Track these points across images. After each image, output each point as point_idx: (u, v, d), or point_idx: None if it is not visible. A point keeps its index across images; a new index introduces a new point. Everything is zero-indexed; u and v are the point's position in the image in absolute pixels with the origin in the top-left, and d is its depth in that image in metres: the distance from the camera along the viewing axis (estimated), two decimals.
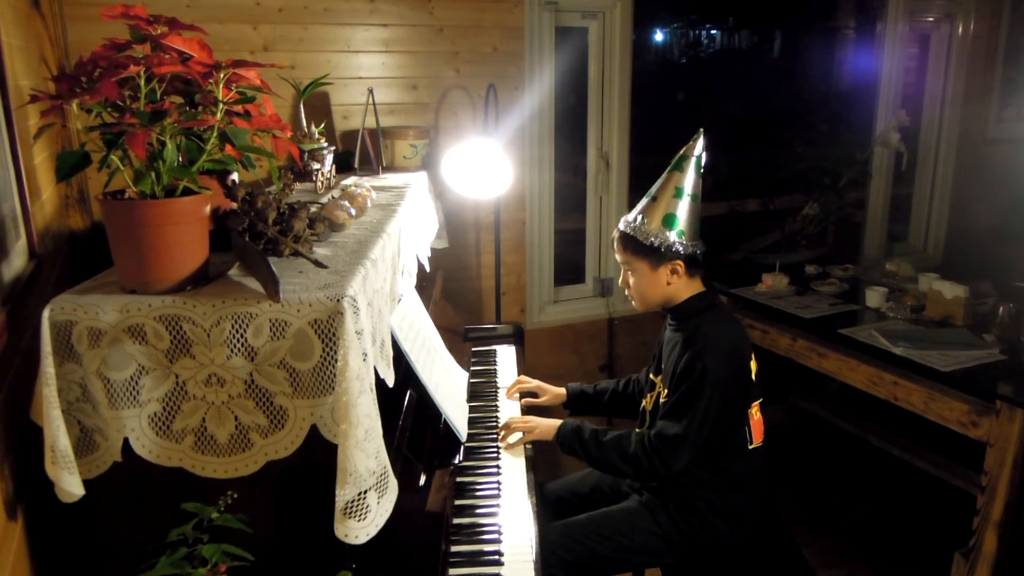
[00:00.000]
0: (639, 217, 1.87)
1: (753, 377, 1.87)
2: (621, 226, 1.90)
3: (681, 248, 1.83)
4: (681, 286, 1.88)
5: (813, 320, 2.93)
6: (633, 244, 1.86)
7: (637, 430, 2.00)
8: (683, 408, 1.78)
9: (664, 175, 1.88)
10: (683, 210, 1.84)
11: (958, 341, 2.61)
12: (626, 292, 1.97)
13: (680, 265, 1.84)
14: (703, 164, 1.86)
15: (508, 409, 2.17)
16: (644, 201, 1.89)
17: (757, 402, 1.89)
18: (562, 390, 2.24)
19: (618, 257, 1.94)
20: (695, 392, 1.76)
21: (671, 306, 1.91)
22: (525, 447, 1.95)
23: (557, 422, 1.95)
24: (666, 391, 1.88)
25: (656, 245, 1.82)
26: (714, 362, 1.76)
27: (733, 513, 1.86)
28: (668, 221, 1.83)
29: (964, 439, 2.39)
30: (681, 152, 1.87)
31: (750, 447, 1.86)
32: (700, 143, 1.86)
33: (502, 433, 1.98)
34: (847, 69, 4.72)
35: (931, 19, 4.12)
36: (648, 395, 2.00)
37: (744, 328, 1.97)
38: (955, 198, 4.31)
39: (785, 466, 3.39)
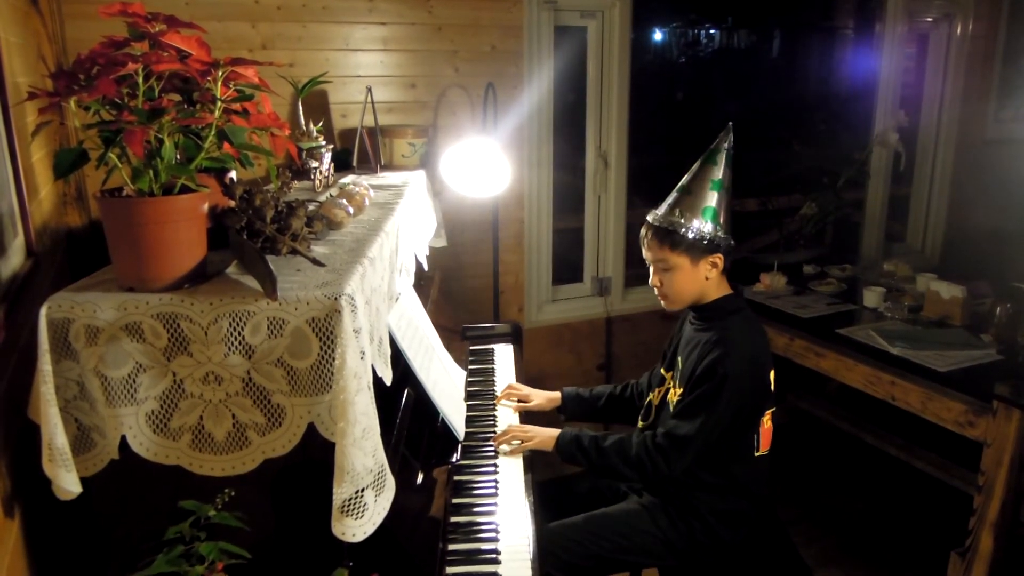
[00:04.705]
0: (676, 211, 1.82)
1: (772, 387, 1.86)
2: (655, 222, 1.85)
3: (721, 241, 1.82)
4: (714, 283, 1.85)
5: (811, 320, 2.94)
6: (671, 239, 1.81)
7: (640, 423, 2.00)
8: (697, 410, 1.76)
9: (696, 169, 1.86)
10: (720, 203, 1.83)
11: (955, 341, 2.62)
12: (656, 291, 1.91)
13: (719, 259, 1.83)
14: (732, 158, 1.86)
15: (505, 409, 2.17)
16: (675, 195, 1.85)
17: (770, 411, 1.87)
18: (556, 394, 2.20)
19: (649, 255, 1.88)
20: (712, 396, 1.74)
21: (699, 305, 1.88)
22: None
23: (556, 432, 1.92)
24: (680, 389, 1.86)
25: (698, 238, 1.80)
26: (736, 369, 1.74)
27: (733, 517, 1.86)
28: (707, 214, 1.81)
29: (961, 439, 2.39)
30: (713, 146, 1.86)
31: (756, 454, 1.85)
32: (731, 137, 1.86)
33: (499, 439, 1.93)
34: (846, 69, 4.72)
35: (930, 19, 4.12)
36: (656, 390, 1.99)
37: (767, 335, 1.93)
38: (953, 198, 4.32)
39: (782, 465, 3.38)
